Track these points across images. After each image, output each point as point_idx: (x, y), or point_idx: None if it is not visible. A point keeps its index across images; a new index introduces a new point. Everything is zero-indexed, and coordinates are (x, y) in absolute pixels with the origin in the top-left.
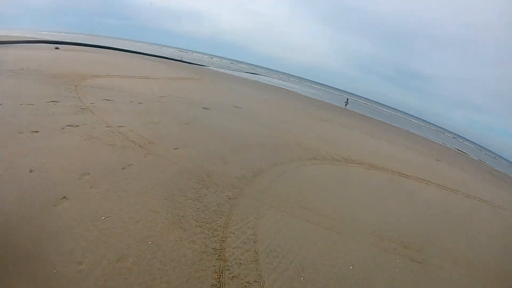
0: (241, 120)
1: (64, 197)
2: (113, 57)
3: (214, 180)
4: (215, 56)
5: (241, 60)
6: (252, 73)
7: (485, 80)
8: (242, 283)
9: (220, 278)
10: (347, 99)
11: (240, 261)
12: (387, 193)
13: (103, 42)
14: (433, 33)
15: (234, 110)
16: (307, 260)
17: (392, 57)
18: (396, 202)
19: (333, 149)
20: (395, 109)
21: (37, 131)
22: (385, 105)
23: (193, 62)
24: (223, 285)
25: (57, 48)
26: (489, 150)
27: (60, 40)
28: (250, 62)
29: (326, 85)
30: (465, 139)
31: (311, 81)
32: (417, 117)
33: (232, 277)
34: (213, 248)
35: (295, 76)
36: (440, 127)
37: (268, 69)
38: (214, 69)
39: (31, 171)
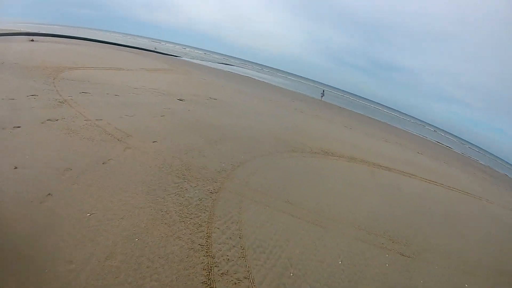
0: (216, 111)
1: (49, 194)
2: (88, 48)
3: (194, 174)
4: (189, 46)
5: (214, 51)
6: (226, 64)
7: (466, 74)
8: (232, 280)
9: (209, 275)
10: (323, 91)
11: (228, 257)
12: (369, 186)
13: (78, 33)
14: (411, 26)
15: (208, 101)
16: (294, 255)
17: (366, 48)
18: (380, 195)
19: (311, 141)
20: (372, 101)
21: (19, 126)
22: (361, 96)
23: (166, 53)
24: (213, 282)
25: (32, 40)
26: (471, 143)
27: (35, 31)
28: (223, 53)
29: (301, 76)
30: (447, 132)
31: (285, 72)
32: (395, 110)
33: (221, 274)
34: (199, 244)
35: (268, 67)
36: (420, 120)
37: (241, 59)
38: (188, 60)
39: (15, 168)
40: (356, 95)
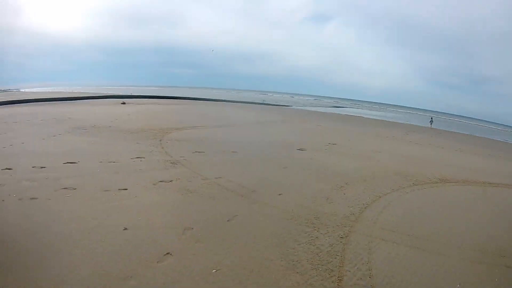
0: (337, 156)
1: (168, 253)
2: (191, 108)
3: (323, 221)
4: (296, 94)
5: (323, 95)
6: (337, 107)
7: None
8: None
9: None
10: (431, 118)
11: None
12: (483, 206)
13: (176, 93)
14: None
15: (328, 147)
16: (419, 286)
17: (456, 65)
18: (492, 213)
19: (428, 171)
20: (474, 118)
21: (126, 189)
22: (465, 116)
23: (276, 103)
24: None
25: (123, 103)
26: None
27: (127, 94)
28: (333, 96)
29: (408, 107)
30: None
31: (392, 105)
32: (497, 123)
33: None
34: None
35: (376, 103)
36: None
37: (351, 100)
38: (299, 108)
39: (125, 229)
40: (460, 115)
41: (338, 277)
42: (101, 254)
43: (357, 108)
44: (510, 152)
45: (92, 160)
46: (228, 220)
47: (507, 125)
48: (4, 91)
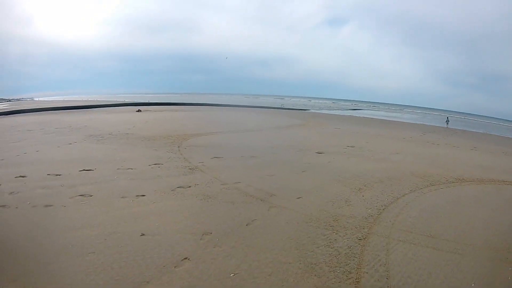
0: (356, 159)
1: (186, 258)
2: (208, 114)
3: (342, 224)
4: (313, 98)
5: (341, 98)
6: (355, 109)
7: None
8: None
9: None
10: (447, 117)
11: None
12: (498, 205)
13: (193, 99)
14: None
15: (347, 150)
16: (435, 286)
17: (470, 64)
18: (506, 212)
19: (445, 171)
20: (490, 117)
21: (144, 195)
22: (480, 115)
23: (294, 107)
24: None
25: (139, 110)
26: None
27: (146, 101)
28: (351, 99)
29: (424, 107)
30: None
31: (409, 106)
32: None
33: None
34: None
35: (393, 104)
36: None
37: (367, 102)
38: (316, 111)
39: (142, 234)
40: (476, 114)
41: (356, 279)
42: (118, 260)
43: (375, 110)
44: None
45: (109, 167)
46: (247, 225)
47: None
48: (18, 100)
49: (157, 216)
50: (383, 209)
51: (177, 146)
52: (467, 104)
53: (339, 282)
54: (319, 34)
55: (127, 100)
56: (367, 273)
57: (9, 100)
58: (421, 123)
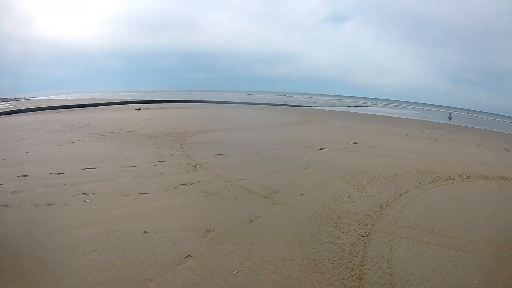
0: (359, 155)
1: (189, 255)
2: (211, 111)
3: (345, 220)
4: (316, 95)
5: (344, 95)
6: (358, 106)
7: None
8: None
9: None
10: (450, 114)
11: None
12: (500, 201)
13: (196, 97)
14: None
15: (350, 146)
16: (438, 282)
17: (472, 60)
18: (508, 208)
19: (448, 168)
20: (493, 113)
21: (146, 193)
22: (483, 111)
23: (296, 104)
24: None
25: (138, 109)
26: None
27: (148, 99)
28: (354, 95)
29: (427, 104)
30: None
31: (411, 102)
32: None
33: None
34: None
35: (396, 100)
36: None
37: (370, 98)
38: (320, 108)
39: (145, 232)
40: (478, 111)
41: (359, 275)
42: (120, 258)
43: (377, 107)
44: None
45: (112, 165)
46: (250, 222)
47: None
48: (20, 99)
49: (160, 214)
50: (386, 206)
51: (180, 143)
52: (469, 100)
53: (342, 279)
54: (322, 31)
55: (130, 98)
56: (370, 269)
57: (11, 100)
58: (424, 119)
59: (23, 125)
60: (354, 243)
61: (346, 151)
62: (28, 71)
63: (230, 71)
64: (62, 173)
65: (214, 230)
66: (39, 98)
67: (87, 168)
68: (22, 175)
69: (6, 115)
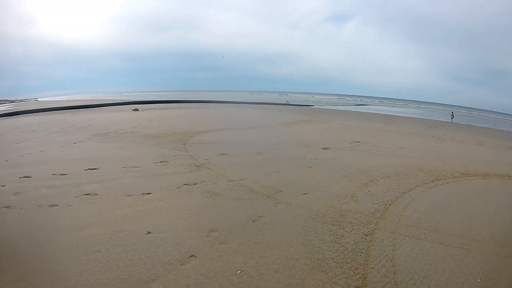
0: (362, 154)
1: (192, 255)
2: (214, 111)
3: (348, 219)
4: (318, 94)
5: (346, 94)
6: (360, 105)
7: None
8: None
9: None
10: (452, 112)
11: None
12: (502, 199)
13: (198, 97)
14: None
15: (353, 145)
16: (441, 281)
17: (477, 60)
18: (510, 206)
19: (450, 166)
20: (494, 111)
21: (149, 193)
22: (485, 110)
23: (299, 103)
24: None
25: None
26: None
27: (150, 99)
28: (354, 94)
29: (429, 102)
30: None
31: (414, 101)
32: None
33: None
34: (355, 286)
35: (398, 99)
36: None
37: (372, 97)
38: (322, 107)
39: (148, 232)
40: (480, 109)
41: (363, 274)
42: (124, 259)
43: (380, 106)
44: None
45: (115, 166)
46: (253, 221)
47: None
48: (22, 100)
49: (163, 214)
50: (389, 204)
51: (183, 143)
52: (471, 98)
53: (346, 278)
54: (323, 30)
55: (132, 99)
56: (373, 268)
57: (13, 101)
58: (426, 118)
59: (25, 127)
60: (357, 242)
61: (349, 150)
62: (30, 72)
63: (232, 71)
64: (64, 174)
65: (217, 230)
66: (41, 99)
67: (89, 169)
68: (25, 176)
69: (8, 117)
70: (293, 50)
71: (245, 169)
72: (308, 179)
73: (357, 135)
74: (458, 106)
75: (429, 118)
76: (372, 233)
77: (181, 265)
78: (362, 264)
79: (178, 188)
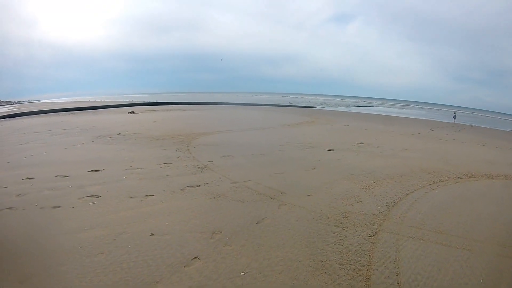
0: (365, 156)
1: (196, 257)
2: (217, 112)
3: (352, 221)
4: (321, 95)
5: (350, 95)
6: (363, 106)
7: None
8: None
9: None
10: (455, 113)
11: None
12: (504, 200)
13: (201, 98)
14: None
15: (356, 147)
16: (444, 282)
17: (477, 59)
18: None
19: (453, 167)
20: (496, 112)
21: (153, 195)
22: (487, 110)
23: (302, 105)
24: None
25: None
26: None
27: (154, 101)
28: (357, 95)
29: (431, 103)
30: None
31: (416, 102)
32: None
33: None
34: None
35: (401, 100)
36: None
37: (375, 98)
38: (325, 108)
39: (151, 234)
40: (483, 110)
41: (366, 276)
42: (127, 260)
43: (383, 107)
44: None
45: (118, 168)
46: (257, 223)
47: None
48: (24, 102)
49: (166, 216)
50: (393, 206)
51: (186, 145)
52: (473, 99)
53: (350, 279)
54: (326, 31)
55: (137, 100)
56: (377, 270)
57: (15, 103)
58: (429, 119)
59: (27, 128)
60: (361, 243)
61: (352, 151)
62: (32, 73)
63: (234, 72)
64: (67, 176)
65: (221, 232)
66: (44, 101)
67: (92, 170)
68: (27, 178)
69: (10, 118)
70: (296, 51)
71: (249, 171)
72: (311, 180)
73: (360, 136)
74: (460, 107)
75: (431, 119)
76: (375, 235)
77: (184, 267)
78: (366, 266)
79: (181, 190)
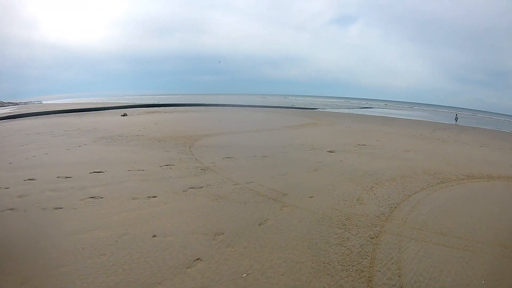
0: (367, 157)
1: (198, 258)
2: (219, 114)
3: (354, 222)
4: (323, 97)
5: (352, 97)
6: (365, 107)
7: None
8: None
9: None
10: (456, 115)
11: None
12: (506, 201)
13: (203, 100)
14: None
15: (358, 149)
16: (447, 283)
17: (481, 61)
18: None
19: (455, 169)
20: (498, 113)
21: (155, 196)
22: (489, 111)
23: (304, 107)
24: None
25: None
26: None
27: (156, 102)
28: (360, 97)
29: (433, 105)
30: None
31: (418, 103)
32: None
33: None
34: None
35: (403, 102)
36: None
37: (378, 100)
38: (328, 110)
39: (154, 236)
40: (484, 111)
41: (368, 277)
42: (129, 262)
43: (385, 108)
44: None
45: (120, 169)
46: (259, 224)
47: None
48: (26, 103)
49: (168, 217)
50: (395, 207)
51: (188, 146)
52: (475, 100)
53: (352, 281)
54: (328, 33)
55: (138, 102)
56: (379, 271)
57: (17, 104)
58: (431, 120)
59: (29, 129)
60: (363, 245)
61: (354, 153)
62: (33, 74)
63: (236, 74)
64: (69, 177)
65: (223, 233)
66: (45, 102)
67: (95, 171)
68: (29, 179)
69: (12, 119)
70: (298, 53)
71: (251, 172)
72: (313, 182)
73: (362, 138)
74: (462, 108)
75: (433, 120)
76: (377, 236)
77: (187, 268)
78: (368, 267)
79: (183, 191)
